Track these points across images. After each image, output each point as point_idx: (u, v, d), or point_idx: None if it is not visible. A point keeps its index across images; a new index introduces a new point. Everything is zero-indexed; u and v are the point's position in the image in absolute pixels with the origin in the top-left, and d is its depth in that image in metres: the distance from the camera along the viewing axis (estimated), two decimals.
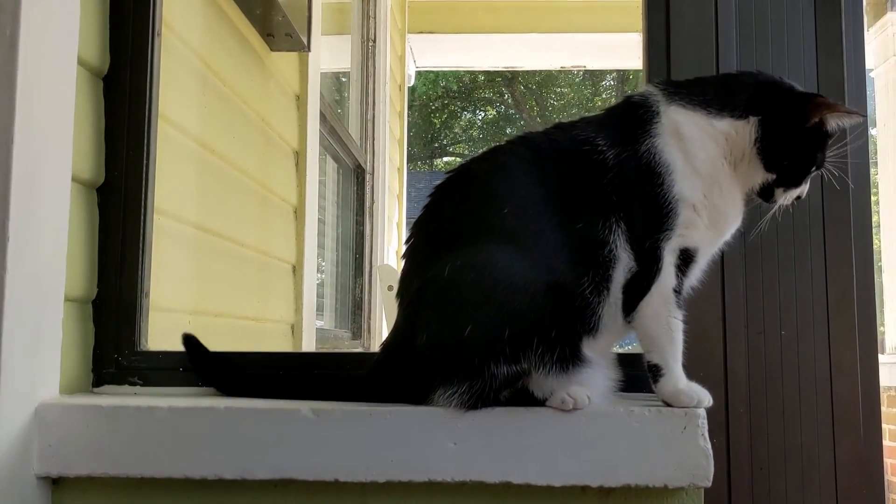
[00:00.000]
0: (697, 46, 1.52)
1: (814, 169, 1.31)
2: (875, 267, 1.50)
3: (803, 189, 1.33)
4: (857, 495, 1.45)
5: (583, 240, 1.24)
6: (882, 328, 5.09)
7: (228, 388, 1.45)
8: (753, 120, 1.28)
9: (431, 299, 1.24)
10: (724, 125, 1.29)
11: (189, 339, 1.46)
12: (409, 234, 1.33)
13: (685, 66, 1.51)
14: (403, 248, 1.34)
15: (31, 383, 1.32)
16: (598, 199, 1.26)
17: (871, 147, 1.45)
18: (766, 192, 1.32)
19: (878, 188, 5.19)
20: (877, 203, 5.23)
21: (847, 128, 1.35)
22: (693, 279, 1.32)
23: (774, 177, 1.29)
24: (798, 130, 1.28)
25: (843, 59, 1.52)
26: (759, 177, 1.30)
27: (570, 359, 1.22)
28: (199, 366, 1.47)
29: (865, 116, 1.35)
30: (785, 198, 1.32)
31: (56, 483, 1.34)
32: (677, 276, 1.27)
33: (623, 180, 1.26)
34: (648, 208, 1.25)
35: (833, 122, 1.28)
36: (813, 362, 1.47)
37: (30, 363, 1.32)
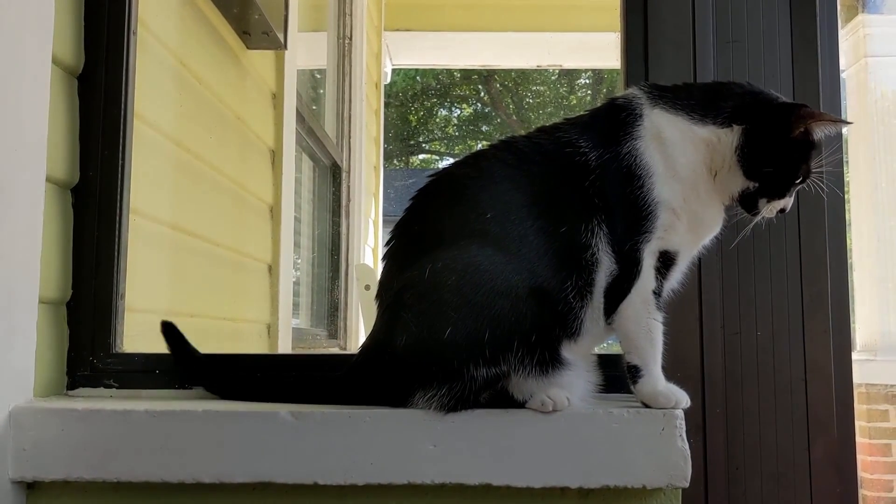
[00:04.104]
0: (675, 49, 1.53)
1: (799, 180, 1.30)
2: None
3: (788, 202, 1.31)
4: (831, 493, 1.47)
5: (566, 243, 1.24)
6: (853, 325, 5.16)
7: (214, 386, 1.44)
8: (737, 128, 1.28)
9: (411, 301, 1.24)
10: (706, 132, 1.28)
11: (169, 330, 1.43)
12: (389, 237, 1.32)
13: (663, 68, 1.52)
14: (383, 250, 1.33)
15: (5, 387, 1.30)
16: (581, 202, 1.25)
17: (842, 146, 1.47)
18: (749, 203, 1.30)
19: (848, 187, 5.26)
20: (848, 202, 5.30)
21: (832, 135, 1.34)
22: (673, 282, 1.32)
23: (756, 185, 1.28)
24: (782, 140, 1.27)
25: (818, 62, 1.54)
26: (739, 184, 1.28)
27: (549, 361, 1.22)
28: (182, 361, 1.44)
29: (850, 123, 1.35)
30: (769, 209, 1.30)
31: (31, 487, 1.32)
32: (657, 278, 1.27)
33: (605, 182, 1.26)
34: (628, 210, 1.26)
35: (819, 132, 1.27)
36: (788, 363, 1.48)
37: (3, 366, 1.30)
